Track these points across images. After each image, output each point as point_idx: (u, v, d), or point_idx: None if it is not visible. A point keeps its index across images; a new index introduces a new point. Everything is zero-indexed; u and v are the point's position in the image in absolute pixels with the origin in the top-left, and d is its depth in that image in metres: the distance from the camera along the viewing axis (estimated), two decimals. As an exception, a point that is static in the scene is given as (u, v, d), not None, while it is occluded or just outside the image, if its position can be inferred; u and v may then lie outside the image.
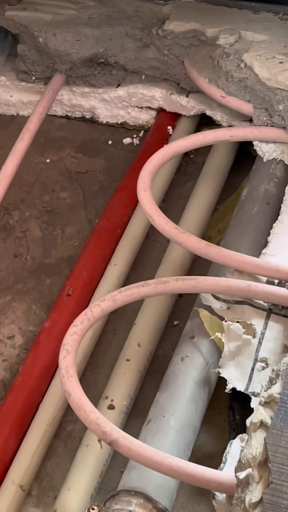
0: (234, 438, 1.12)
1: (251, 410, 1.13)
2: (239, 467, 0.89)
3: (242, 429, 1.14)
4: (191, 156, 1.58)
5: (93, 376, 1.25)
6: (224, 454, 1.01)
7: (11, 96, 1.69)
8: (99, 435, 0.99)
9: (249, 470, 0.87)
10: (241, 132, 1.40)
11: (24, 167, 1.55)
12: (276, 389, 0.93)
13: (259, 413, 0.92)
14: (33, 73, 1.64)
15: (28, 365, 1.21)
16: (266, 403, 0.93)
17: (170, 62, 1.54)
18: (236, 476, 0.89)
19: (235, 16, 1.52)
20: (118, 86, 1.62)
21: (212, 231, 1.44)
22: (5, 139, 1.66)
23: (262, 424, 0.91)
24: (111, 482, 1.12)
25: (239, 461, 0.90)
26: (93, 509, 1.00)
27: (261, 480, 0.86)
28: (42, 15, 1.58)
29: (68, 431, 1.19)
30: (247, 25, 1.49)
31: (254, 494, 0.85)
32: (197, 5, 1.56)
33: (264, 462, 0.87)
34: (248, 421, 0.92)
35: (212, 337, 1.13)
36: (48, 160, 1.61)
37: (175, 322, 1.31)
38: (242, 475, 0.88)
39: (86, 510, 1.00)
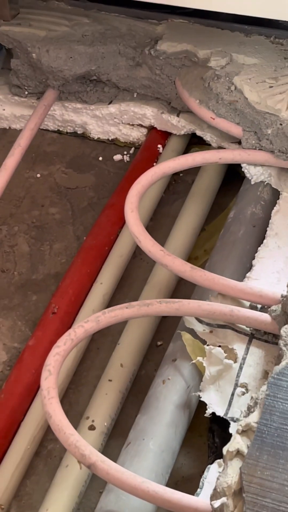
0: (213, 461, 1.13)
1: (230, 434, 1.13)
2: (215, 495, 0.90)
3: (221, 452, 1.15)
4: (180, 175, 1.59)
5: (76, 395, 1.26)
6: (202, 479, 1.02)
7: (4, 109, 1.69)
8: (78, 458, 0.99)
9: (223, 499, 0.88)
10: (230, 155, 1.41)
11: (14, 181, 1.55)
12: (253, 418, 0.94)
13: (236, 442, 0.93)
14: (26, 87, 1.64)
15: (11, 383, 1.22)
16: (243, 432, 0.94)
17: (162, 82, 1.55)
18: (211, 504, 0.90)
19: (227, 38, 1.53)
20: (110, 103, 1.62)
21: (198, 251, 1.45)
22: (-4, 154, 1.67)
23: (238, 453, 0.92)
24: (90, 502, 1.12)
25: (215, 489, 0.91)
26: (70, 531, 1.01)
27: (236, 509, 0.87)
28: (36, 31, 1.59)
29: (49, 450, 1.20)
30: (238, 48, 1.50)
31: (227, 524, 0.86)
32: (190, 26, 1.57)
33: (239, 491, 0.88)
34: (224, 450, 0.93)
35: (193, 361, 1.14)
36: (38, 175, 1.61)
37: (159, 343, 1.31)
38: (216, 503, 0.88)
39: (63, 532, 1.01)
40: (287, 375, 0.97)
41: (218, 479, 0.91)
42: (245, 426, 0.94)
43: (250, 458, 0.89)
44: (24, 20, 1.62)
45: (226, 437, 1.15)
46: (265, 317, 1.13)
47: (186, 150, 1.60)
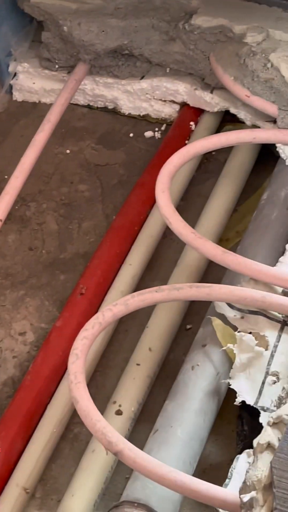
0: (241, 450, 1.12)
1: (260, 423, 1.12)
2: (244, 488, 0.89)
3: (250, 440, 1.14)
4: (213, 153, 1.56)
5: (103, 378, 1.25)
6: (230, 469, 1.00)
7: (34, 83, 1.67)
8: (105, 445, 0.99)
9: (253, 493, 0.87)
10: (264, 135, 1.38)
11: (44, 157, 1.53)
12: (286, 410, 0.92)
13: (267, 434, 0.91)
14: (56, 61, 1.62)
15: (38, 364, 1.21)
16: (274, 424, 0.92)
17: (196, 57, 1.52)
18: (240, 497, 0.89)
19: (264, 13, 1.49)
20: (142, 78, 1.60)
21: (230, 232, 1.43)
22: (26, 126, 1.65)
23: (269, 446, 0.90)
24: (116, 488, 1.12)
25: (244, 482, 0.89)
26: (96, 517, 1.00)
27: (265, 504, 0.85)
28: (67, 3, 1.56)
29: (75, 433, 1.19)
30: (275, 24, 1.46)
31: (257, 518, 0.84)
32: (226, 0, 1.53)
33: (269, 486, 0.86)
34: (255, 442, 0.92)
35: (224, 348, 1.12)
36: (68, 151, 1.60)
37: (188, 326, 1.30)
38: (246, 497, 0.87)
39: (89, 518, 1.00)
40: None
41: (247, 472, 0.90)
42: (276, 418, 0.92)
43: (282, 452, 0.87)
44: (56, -9, 1.60)
45: (255, 425, 1.14)
46: (298, 304, 1.12)
47: (219, 128, 1.58)
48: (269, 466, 0.88)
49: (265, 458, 0.89)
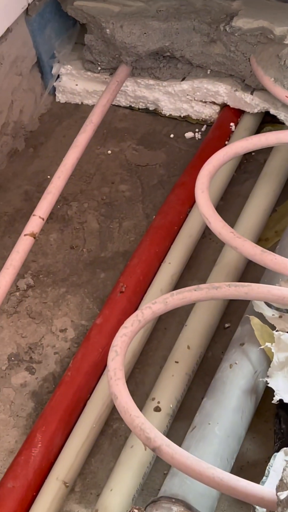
0: (279, 448, 1.11)
1: (297, 421, 1.11)
2: (281, 486, 0.88)
3: (287, 438, 1.13)
4: (252, 154, 1.55)
5: (142, 375, 1.25)
6: (267, 467, 0.99)
7: (77, 84, 1.68)
8: (143, 441, 0.98)
9: (290, 491, 0.86)
10: (305, 136, 1.37)
11: (85, 157, 1.54)
12: None
13: (304, 433, 0.91)
14: (99, 63, 1.63)
15: (78, 361, 1.22)
16: (312, 423, 0.92)
17: (236, 59, 1.52)
18: (277, 495, 0.88)
19: (305, 14, 1.49)
20: (183, 79, 1.60)
21: (269, 232, 1.42)
22: (69, 127, 1.66)
23: (307, 444, 0.90)
24: (154, 484, 1.12)
25: (281, 480, 0.89)
26: (134, 512, 1.00)
27: (302, 502, 0.85)
28: (110, 6, 1.57)
29: (114, 429, 1.19)
30: (316, 25, 1.45)
31: (294, 516, 0.84)
32: (267, 2, 1.52)
33: (306, 484, 0.86)
34: (293, 440, 0.91)
35: (262, 346, 1.12)
36: (109, 151, 1.60)
37: (226, 325, 1.29)
38: (283, 495, 0.86)
39: (128, 513, 1.00)
40: None
41: (284, 470, 0.89)
42: (314, 417, 0.92)
43: None
44: (99, -6, 1.60)
45: (293, 423, 1.13)
46: None
47: (259, 129, 1.57)
48: (306, 464, 0.87)
49: (302, 457, 0.89)
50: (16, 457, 1.12)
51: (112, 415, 1.19)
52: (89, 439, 1.14)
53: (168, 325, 1.31)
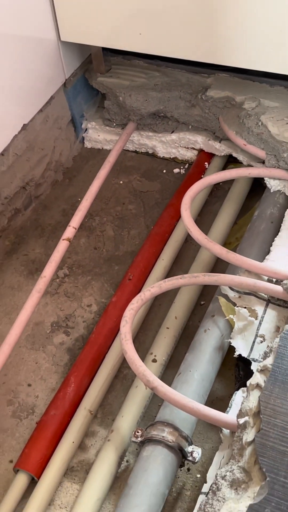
0: (238, 388, 1.11)
1: (251, 370, 1.11)
2: (240, 414, 0.88)
3: (245, 381, 1.13)
4: (220, 184, 1.54)
5: (143, 337, 1.25)
6: (230, 401, 1.00)
7: (99, 135, 1.67)
8: (145, 383, 0.99)
9: (246, 418, 0.86)
10: (256, 171, 1.37)
11: (104, 186, 1.53)
12: (269, 361, 0.91)
13: (256, 378, 0.90)
14: (114, 120, 1.62)
15: (99, 327, 1.22)
16: (261, 371, 0.91)
17: (209, 118, 1.51)
18: (237, 421, 0.88)
19: (256, 87, 1.47)
20: (172, 132, 1.59)
21: (232, 238, 1.42)
22: (93, 165, 1.65)
23: (257, 386, 0.90)
24: (152, 412, 1.12)
25: (240, 410, 0.89)
26: (138, 432, 1.00)
27: (255, 426, 0.85)
28: (122, 81, 1.56)
29: (124, 374, 1.19)
30: (265, 95, 1.44)
31: (249, 435, 0.84)
32: (231, 79, 1.51)
33: (258, 413, 0.86)
34: (248, 383, 0.91)
35: (227, 317, 1.11)
36: (121, 182, 1.60)
37: (202, 302, 1.29)
38: (241, 420, 0.86)
39: (133, 432, 1.00)
40: (294, 331, 0.94)
41: (242, 403, 0.89)
42: (263, 367, 0.91)
43: (266, 390, 0.86)
44: (114, 73, 1.59)
45: (248, 371, 1.13)
46: (278, 288, 1.10)
47: (225, 167, 1.56)
48: (257, 399, 0.87)
49: (255, 394, 0.88)
50: (57, 393, 1.12)
51: (123, 364, 1.19)
52: (107, 381, 1.14)
53: (161, 302, 1.31)
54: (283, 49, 1.27)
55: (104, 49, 1.57)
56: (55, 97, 1.53)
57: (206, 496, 0.82)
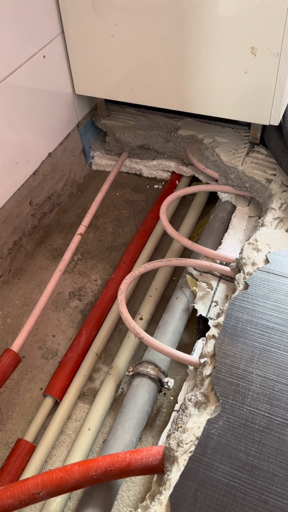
0: (199, 338, 1.10)
1: (208, 325, 1.10)
2: (201, 356, 0.88)
3: (203, 333, 1.13)
4: (186, 196, 1.53)
5: (133, 302, 1.23)
6: (194, 347, 0.99)
7: (102, 161, 1.64)
8: (135, 334, 0.98)
9: (205, 359, 0.85)
10: (212, 187, 1.35)
11: (106, 197, 1.52)
12: (221, 319, 0.91)
13: (212, 331, 0.90)
14: (113, 151, 1.59)
15: (103, 295, 1.20)
16: (215, 326, 0.91)
17: (179, 150, 1.49)
18: (199, 360, 0.87)
19: (212, 128, 1.45)
20: (153, 159, 1.56)
21: (194, 233, 1.40)
22: (98, 182, 1.62)
23: (213, 336, 0.89)
24: (139, 354, 1.11)
25: (201, 353, 0.88)
26: (130, 368, 0.99)
27: (211, 364, 0.84)
28: (118, 123, 1.53)
29: (120, 328, 1.18)
30: (218, 133, 1.42)
31: (207, 371, 0.83)
32: (194, 122, 1.49)
33: (213, 355, 0.85)
34: (206, 334, 0.90)
35: (191, 289, 1.11)
36: (117, 194, 1.57)
37: (174, 278, 1.28)
38: (202, 360, 0.86)
39: (127, 369, 0.99)
40: (238, 298, 0.94)
41: (202, 348, 0.89)
42: (216, 323, 0.91)
43: (219, 339, 0.86)
44: (113, 117, 1.56)
45: (206, 326, 1.12)
46: (227, 269, 1.10)
47: (190, 184, 1.54)
48: (213, 346, 0.87)
49: (211, 342, 0.88)
50: (73, 341, 1.10)
51: (119, 321, 1.18)
52: (108, 332, 1.13)
53: (146, 278, 1.29)
54: (231, 103, 1.25)
55: (106, 100, 1.54)
56: (71, 134, 1.50)
57: (177, 413, 0.82)
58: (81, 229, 1.28)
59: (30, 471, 0.88)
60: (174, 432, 0.76)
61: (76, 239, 1.25)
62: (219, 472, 0.68)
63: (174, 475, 0.69)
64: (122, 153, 1.57)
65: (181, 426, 0.76)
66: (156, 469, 0.75)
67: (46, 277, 1.30)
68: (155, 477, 0.77)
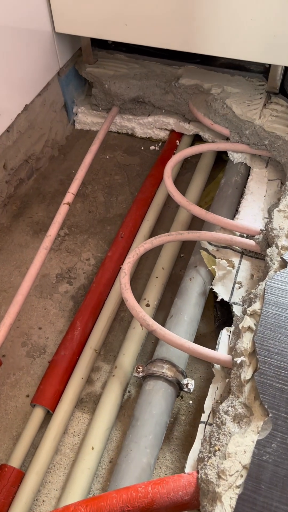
0: (218, 326, 0.94)
1: (227, 310, 0.94)
2: (235, 355, 0.71)
3: (222, 320, 0.96)
4: (189, 158, 1.35)
5: (135, 284, 1.06)
6: (218, 340, 0.82)
7: (87, 118, 1.43)
8: (145, 326, 0.80)
9: (242, 358, 0.68)
10: (223, 146, 1.17)
11: (94, 161, 1.33)
12: (257, 306, 0.74)
13: (247, 321, 0.73)
14: (100, 105, 1.38)
15: (98, 277, 1.02)
16: (251, 315, 0.74)
17: (180, 103, 1.29)
18: (234, 360, 0.70)
19: (220, 77, 1.26)
20: (148, 115, 1.36)
21: (201, 202, 1.23)
22: (83, 143, 1.42)
23: (249, 328, 0.72)
24: (147, 349, 0.94)
25: (235, 350, 0.71)
26: (139, 368, 0.82)
27: (251, 365, 0.67)
28: (107, 71, 1.31)
29: (121, 317, 1.00)
30: (227, 82, 1.23)
31: (247, 374, 0.66)
32: (198, 69, 1.29)
33: (253, 353, 0.68)
34: (240, 326, 0.73)
35: (209, 268, 0.93)
36: (107, 157, 1.37)
37: (181, 255, 1.11)
38: (238, 360, 0.69)
39: (135, 368, 0.82)
40: (275, 279, 0.76)
41: (236, 344, 0.72)
42: (252, 311, 0.74)
43: (259, 333, 0.69)
44: (100, 65, 1.34)
45: (224, 312, 0.96)
46: (251, 242, 0.93)
47: (192, 145, 1.35)
48: (251, 340, 0.70)
49: (247, 336, 0.71)
50: (65, 335, 0.92)
51: (120, 308, 1.01)
52: (108, 323, 0.95)
53: (148, 256, 1.12)
54: (251, 41, 1.05)
55: (92, 43, 1.31)
56: (51, 84, 1.27)
57: (210, 427, 0.65)
58: (69, 197, 1.08)
59: (20, 506, 0.70)
60: (210, 457, 0.59)
61: (63, 209, 1.05)
62: (280, 515, 0.52)
63: (218, 520, 0.52)
64: (112, 108, 1.35)
65: (219, 449, 0.59)
66: (187, 506, 0.58)
67: (27, 256, 1.10)
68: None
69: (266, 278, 0.77)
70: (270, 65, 1.16)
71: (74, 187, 1.10)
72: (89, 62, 1.33)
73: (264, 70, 1.26)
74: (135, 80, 1.29)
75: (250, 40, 1.05)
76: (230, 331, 0.79)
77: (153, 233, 1.13)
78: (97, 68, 1.32)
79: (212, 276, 0.93)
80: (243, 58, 1.09)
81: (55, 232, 1.01)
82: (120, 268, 0.95)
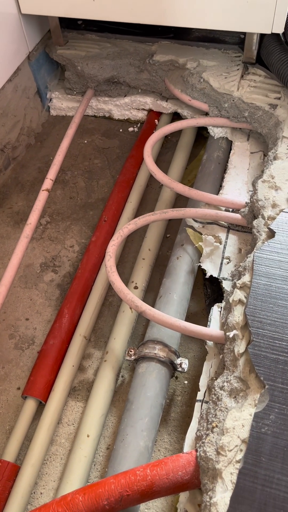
0: (209, 303, 0.92)
1: (218, 287, 0.92)
2: (227, 329, 0.69)
3: (212, 297, 0.94)
4: (168, 137, 1.32)
5: (122, 268, 1.04)
6: (209, 317, 0.80)
7: (62, 104, 1.39)
8: (134, 308, 0.78)
9: (235, 331, 0.67)
10: (203, 120, 1.14)
11: (72, 146, 1.29)
12: (246, 279, 0.72)
13: (237, 294, 0.71)
14: (74, 89, 1.34)
15: (84, 263, 0.99)
16: (240, 288, 0.72)
17: (156, 80, 1.26)
18: (226, 334, 0.69)
19: (195, 51, 1.23)
20: (125, 96, 1.33)
21: (184, 181, 1.20)
22: (59, 129, 1.38)
23: (240, 301, 0.70)
24: (138, 332, 0.92)
25: (227, 325, 0.69)
26: (131, 351, 0.80)
27: (244, 338, 0.66)
28: (79, 52, 1.27)
29: (110, 301, 0.98)
30: (203, 56, 1.20)
31: (240, 347, 0.64)
32: (172, 45, 1.26)
33: (245, 326, 0.66)
34: (230, 299, 0.71)
35: (196, 245, 0.91)
36: (85, 141, 1.34)
37: (168, 235, 1.09)
38: (231, 334, 0.67)
39: (126, 352, 0.80)
40: (263, 250, 0.75)
41: (228, 318, 0.70)
42: (241, 284, 0.72)
43: (251, 305, 0.67)
44: (71, 46, 1.30)
45: (213, 289, 0.94)
46: (237, 216, 0.91)
47: (171, 122, 1.32)
48: (242, 313, 0.68)
49: (239, 309, 0.69)
50: (53, 324, 0.90)
51: (108, 293, 0.98)
52: (96, 309, 0.93)
53: (133, 238, 1.09)
54: (224, 10, 1.02)
55: (61, 24, 1.27)
56: (21, 69, 1.23)
57: (206, 405, 0.63)
58: (47, 183, 1.04)
59: (17, 500, 0.68)
60: (208, 434, 0.57)
61: (42, 196, 1.02)
62: (283, 487, 0.50)
63: (219, 496, 0.50)
64: (87, 91, 1.31)
65: (216, 425, 0.57)
66: (188, 486, 0.57)
67: (9, 247, 1.07)
68: (184, 495, 0.59)
69: (254, 249, 0.75)
70: (245, 34, 1.14)
71: (52, 173, 1.07)
72: (59, 44, 1.29)
73: (239, 41, 1.23)
74: (108, 60, 1.25)
75: (224, 8, 1.02)
76: (221, 307, 0.78)
77: (136, 215, 1.11)
78: (68, 50, 1.28)
79: (199, 253, 0.91)
80: (218, 28, 1.06)
81: (35, 220, 0.98)
82: (106, 252, 0.92)
